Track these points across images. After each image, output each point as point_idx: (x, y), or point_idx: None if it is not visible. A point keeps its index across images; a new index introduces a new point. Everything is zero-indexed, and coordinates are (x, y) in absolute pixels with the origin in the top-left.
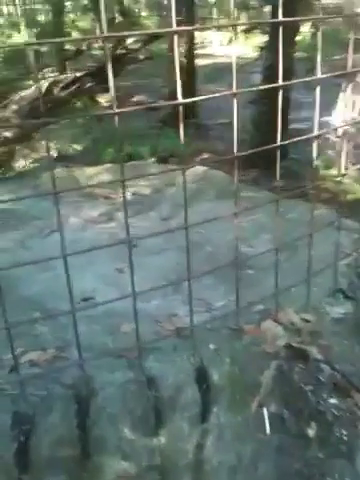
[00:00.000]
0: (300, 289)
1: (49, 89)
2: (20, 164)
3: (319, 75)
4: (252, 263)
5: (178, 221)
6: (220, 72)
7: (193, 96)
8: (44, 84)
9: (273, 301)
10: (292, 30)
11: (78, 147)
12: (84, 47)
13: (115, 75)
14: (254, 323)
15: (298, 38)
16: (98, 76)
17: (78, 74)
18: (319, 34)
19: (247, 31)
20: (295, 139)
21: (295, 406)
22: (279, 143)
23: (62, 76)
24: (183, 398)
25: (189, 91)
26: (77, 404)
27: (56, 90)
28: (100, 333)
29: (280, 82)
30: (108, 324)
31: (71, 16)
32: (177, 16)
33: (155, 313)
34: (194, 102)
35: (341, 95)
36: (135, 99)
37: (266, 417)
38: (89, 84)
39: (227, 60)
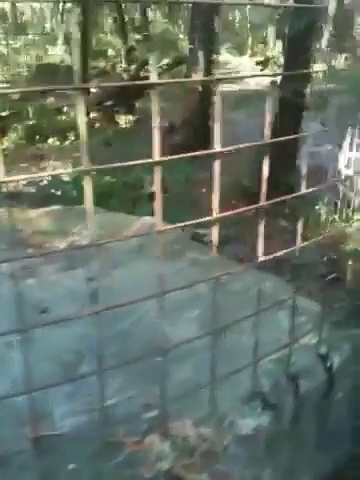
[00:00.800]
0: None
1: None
2: None
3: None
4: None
5: (106, 282)
6: (245, 99)
7: (207, 124)
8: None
9: (177, 403)
10: (304, 65)
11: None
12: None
13: (138, 96)
14: (140, 434)
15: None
16: (119, 96)
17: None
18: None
19: (263, 63)
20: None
21: None
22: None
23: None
24: None
25: (203, 119)
26: None
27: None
28: None
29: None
30: None
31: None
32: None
33: (24, 411)
34: (208, 128)
35: (347, 139)
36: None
37: None
38: (109, 103)
39: (253, 87)
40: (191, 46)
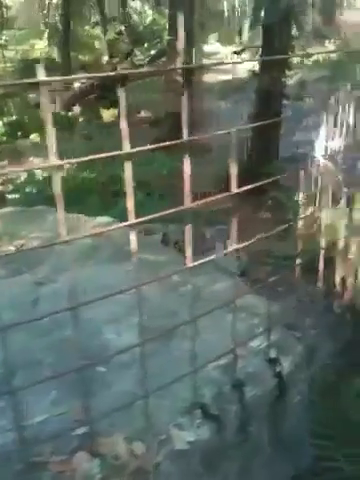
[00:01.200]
0: (154, 400)
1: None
2: None
3: None
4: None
5: (55, 287)
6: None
7: (190, 115)
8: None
9: (112, 417)
10: (281, 53)
11: None
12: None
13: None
14: (68, 453)
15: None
16: (103, 90)
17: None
18: None
19: (238, 53)
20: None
21: None
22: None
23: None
24: None
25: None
26: None
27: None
28: None
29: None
30: None
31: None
32: None
33: None
34: (193, 120)
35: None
36: (142, 114)
37: None
38: (93, 95)
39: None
40: (169, 37)
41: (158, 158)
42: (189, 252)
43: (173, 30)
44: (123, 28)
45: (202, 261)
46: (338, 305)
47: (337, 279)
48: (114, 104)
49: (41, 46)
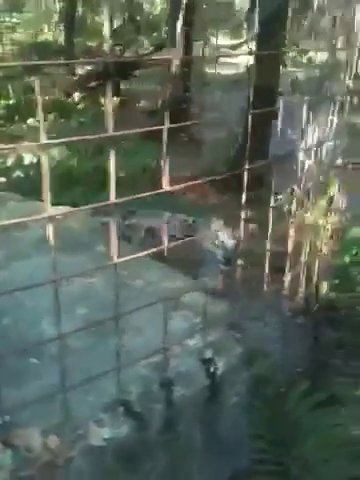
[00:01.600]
0: (79, 395)
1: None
2: None
3: None
4: (43, 348)
5: (2, 274)
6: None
7: (186, 107)
8: None
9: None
10: (276, 49)
11: None
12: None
13: (123, 78)
14: None
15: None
16: (104, 77)
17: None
18: None
19: (233, 47)
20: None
21: None
22: None
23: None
24: None
25: (181, 102)
26: None
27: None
28: None
29: None
30: None
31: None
32: None
33: None
34: (187, 112)
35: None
36: (142, 104)
37: None
38: (94, 83)
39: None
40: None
41: (145, 148)
42: (115, 247)
43: (173, 20)
44: (127, 16)
45: (130, 257)
46: (290, 307)
47: (293, 281)
48: (115, 92)
49: (49, 30)
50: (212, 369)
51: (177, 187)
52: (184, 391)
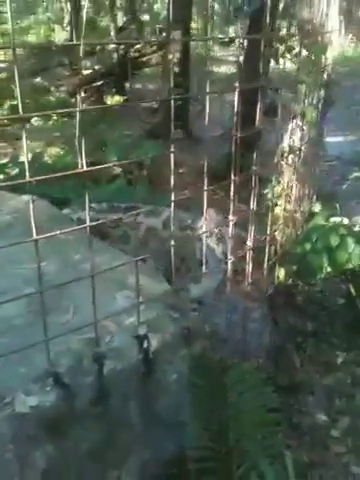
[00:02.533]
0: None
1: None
2: None
3: None
4: None
5: None
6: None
7: (186, 105)
8: None
9: None
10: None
11: None
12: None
13: (126, 78)
14: None
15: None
16: (108, 77)
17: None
18: None
19: (226, 44)
20: None
21: None
22: None
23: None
24: None
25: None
26: None
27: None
28: None
29: None
30: None
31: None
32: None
33: None
34: (185, 109)
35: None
36: (145, 103)
37: None
38: (99, 83)
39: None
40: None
41: (146, 146)
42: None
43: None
44: (130, 16)
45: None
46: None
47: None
48: (118, 92)
49: (60, 31)
50: (144, 345)
51: None
52: (113, 365)
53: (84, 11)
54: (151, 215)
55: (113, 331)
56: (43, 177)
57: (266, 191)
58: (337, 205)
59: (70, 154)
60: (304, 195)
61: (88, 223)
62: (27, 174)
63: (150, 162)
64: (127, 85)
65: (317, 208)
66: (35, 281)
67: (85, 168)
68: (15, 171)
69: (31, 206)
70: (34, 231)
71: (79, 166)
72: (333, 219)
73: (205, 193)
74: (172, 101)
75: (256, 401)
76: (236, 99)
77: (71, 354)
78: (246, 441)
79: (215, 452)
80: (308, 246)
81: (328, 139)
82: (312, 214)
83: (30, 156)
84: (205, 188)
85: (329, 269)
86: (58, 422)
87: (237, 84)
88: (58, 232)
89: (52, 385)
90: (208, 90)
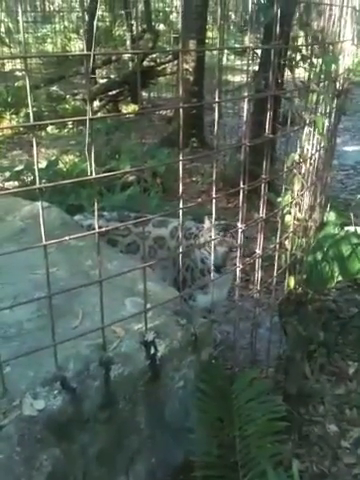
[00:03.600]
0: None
1: None
2: None
3: None
4: None
5: None
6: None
7: (200, 114)
8: None
9: None
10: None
11: None
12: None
13: (141, 86)
14: None
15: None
16: (124, 86)
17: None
18: None
19: (240, 54)
20: None
21: None
22: None
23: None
24: None
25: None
26: None
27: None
28: None
29: None
30: None
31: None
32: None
33: None
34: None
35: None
36: (162, 112)
37: None
38: (114, 91)
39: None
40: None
41: (160, 154)
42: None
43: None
44: (146, 26)
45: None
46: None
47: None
48: (133, 101)
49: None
50: (151, 351)
51: None
52: (120, 370)
53: (95, 21)
54: (160, 225)
55: (121, 336)
56: (52, 184)
57: (279, 200)
58: (351, 214)
59: (85, 162)
60: (316, 204)
61: (97, 230)
62: (37, 181)
63: (164, 170)
64: (143, 94)
65: (331, 217)
66: (46, 286)
67: (94, 175)
68: (30, 178)
69: (41, 212)
70: (43, 237)
71: (89, 173)
72: (347, 228)
73: (213, 201)
74: (182, 110)
75: (264, 409)
76: (245, 108)
77: (79, 358)
78: (253, 449)
79: (222, 459)
80: (319, 255)
81: (345, 148)
82: (325, 223)
83: (45, 164)
84: (214, 196)
85: (340, 278)
86: (65, 426)
87: (246, 93)
88: (66, 238)
89: (60, 389)
90: (223, 98)
